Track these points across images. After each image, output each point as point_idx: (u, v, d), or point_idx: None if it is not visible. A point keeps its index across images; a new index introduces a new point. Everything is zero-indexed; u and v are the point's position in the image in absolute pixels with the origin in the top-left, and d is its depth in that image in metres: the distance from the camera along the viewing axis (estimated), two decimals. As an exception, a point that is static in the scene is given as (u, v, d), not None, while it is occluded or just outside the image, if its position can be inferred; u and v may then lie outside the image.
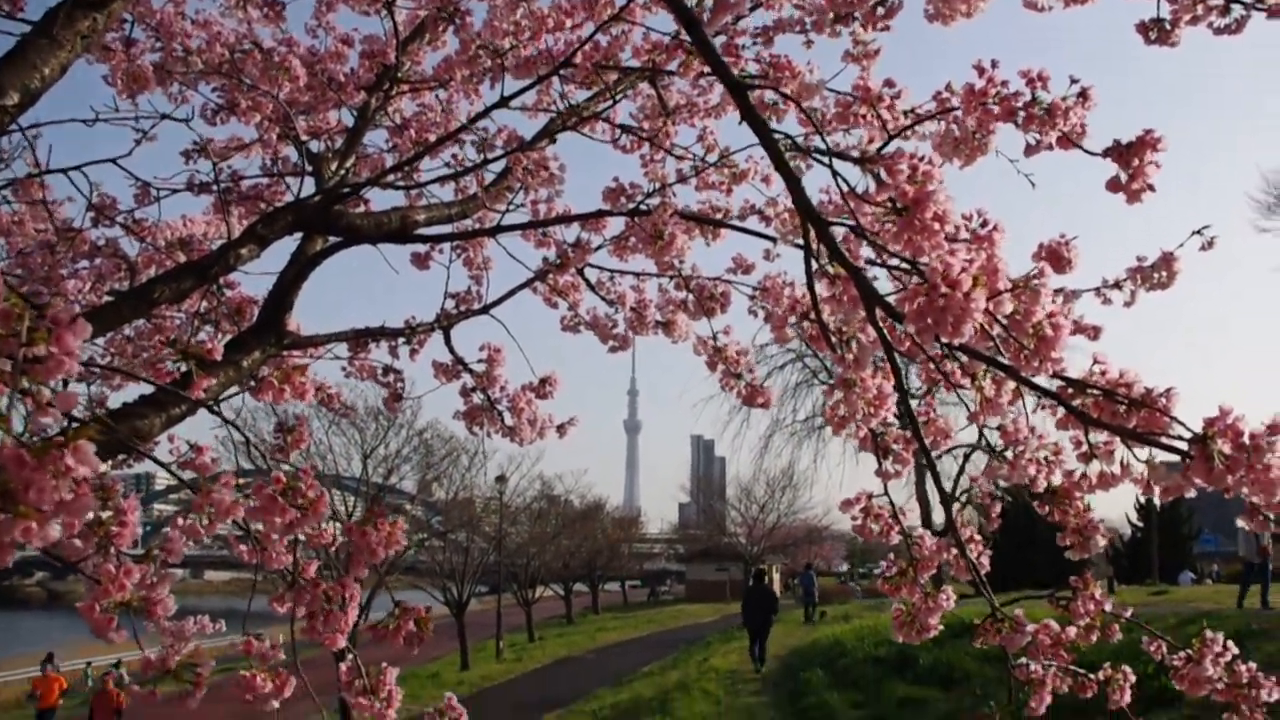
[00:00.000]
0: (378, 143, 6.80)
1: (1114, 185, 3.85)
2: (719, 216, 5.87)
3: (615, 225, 5.81)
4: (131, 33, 5.55)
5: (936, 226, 2.99)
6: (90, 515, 2.84)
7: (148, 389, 4.22)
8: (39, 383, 2.07)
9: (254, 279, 5.68)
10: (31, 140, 5.61)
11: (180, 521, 3.53)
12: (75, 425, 2.33)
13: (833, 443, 61.87)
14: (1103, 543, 4.12)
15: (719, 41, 5.32)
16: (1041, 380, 3.10)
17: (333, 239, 5.55)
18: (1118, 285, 4.66)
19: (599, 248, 5.82)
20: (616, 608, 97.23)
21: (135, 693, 3.44)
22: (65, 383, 2.23)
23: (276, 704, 3.61)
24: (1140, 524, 65.21)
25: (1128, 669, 4.36)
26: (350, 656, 3.72)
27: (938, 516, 50.31)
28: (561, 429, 6.47)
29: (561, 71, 5.45)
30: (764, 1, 5.36)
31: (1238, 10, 4.09)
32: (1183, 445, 2.75)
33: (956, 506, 4.26)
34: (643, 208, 5.48)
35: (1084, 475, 3.63)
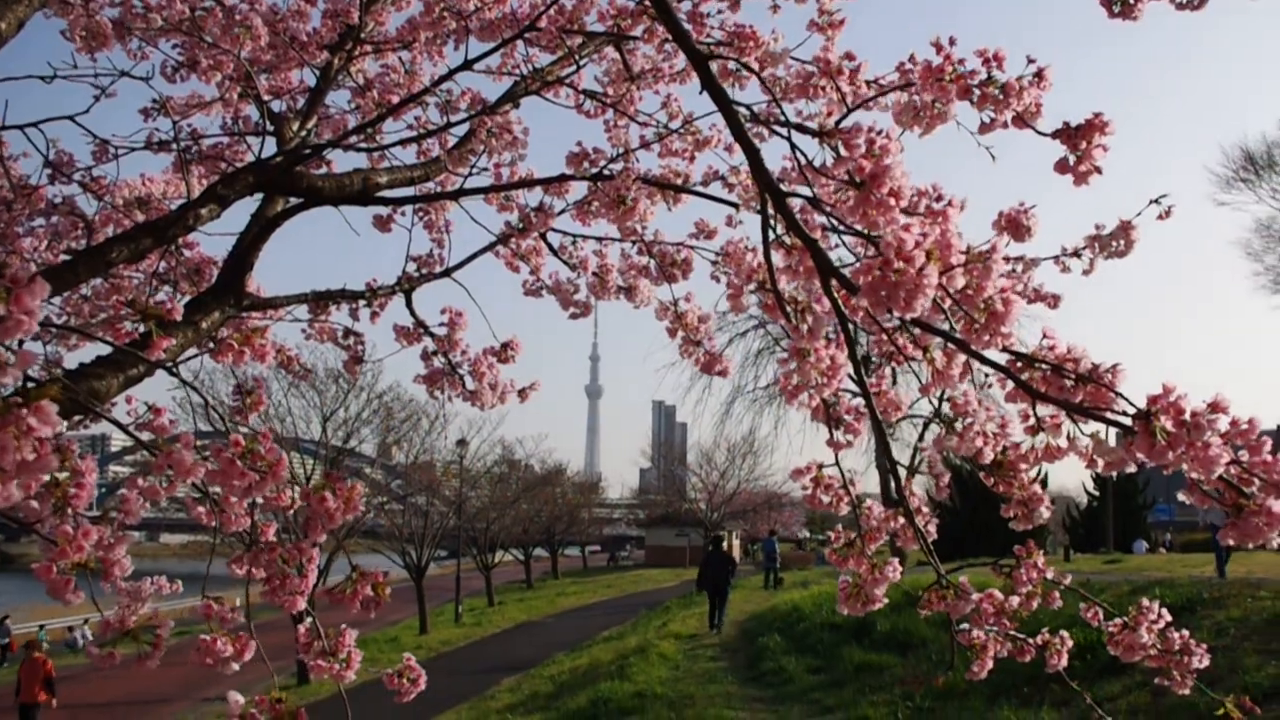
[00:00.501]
0: (340, 103, 6.76)
1: (1062, 167, 3.89)
2: (681, 183, 5.85)
3: (578, 190, 5.80)
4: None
5: (891, 201, 3.00)
6: (47, 476, 2.83)
7: (105, 349, 4.19)
8: (-3, 342, 2.05)
9: (213, 239, 5.65)
10: (-13, 96, 5.55)
11: (139, 482, 3.51)
12: (34, 385, 2.32)
13: (793, 410, 62.16)
14: (1046, 515, 4.15)
15: (685, 7, 5.31)
16: (992, 354, 3.12)
17: (294, 200, 5.51)
18: (1077, 254, 4.69)
19: (562, 212, 5.80)
20: (576, 572, 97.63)
21: (93, 654, 3.42)
22: (21, 342, 2.22)
23: (237, 667, 3.61)
24: (1096, 494, 65.86)
25: (1065, 634, 4.46)
26: (309, 619, 3.71)
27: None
28: (522, 393, 6.44)
29: (526, 35, 5.43)
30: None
31: (1201, -16, 4.12)
32: (1126, 421, 2.77)
33: (907, 476, 4.27)
34: (606, 172, 5.47)
35: (1031, 448, 3.67)
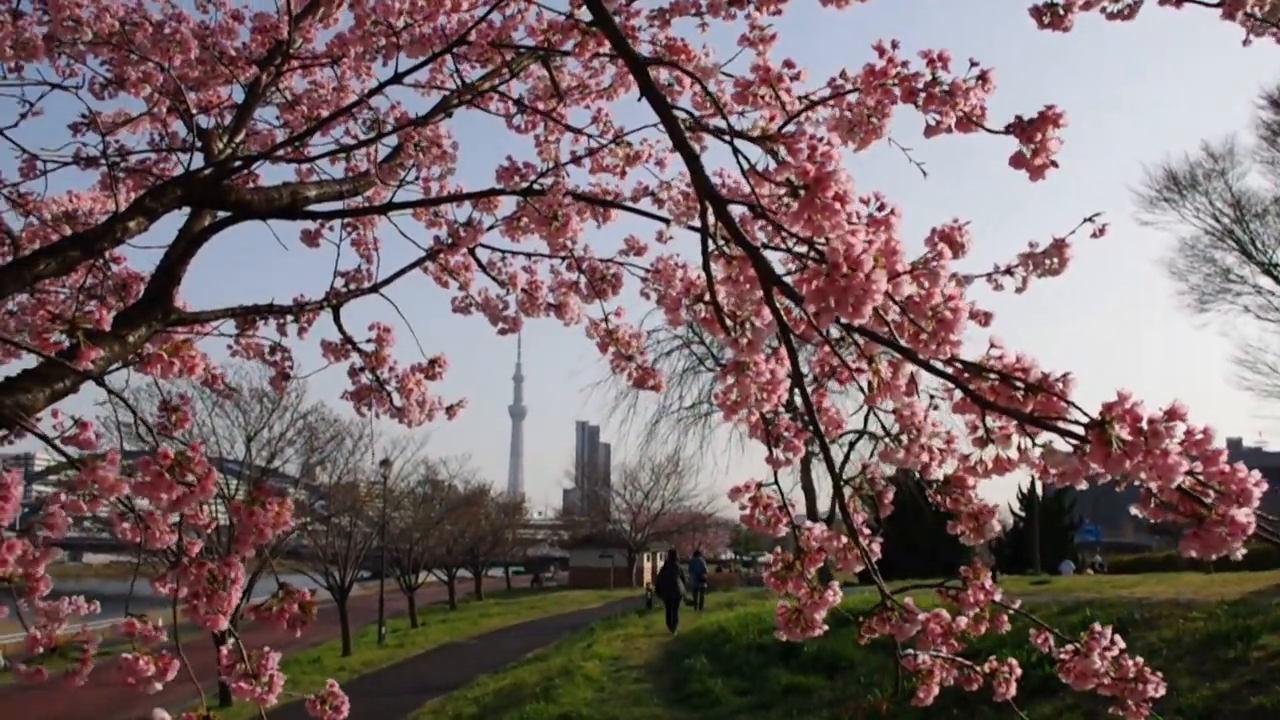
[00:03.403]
0: (268, 119, 6.72)
1: (1017, 161, 3.86)
2: (611, 198, 5.84)
3: (508, 205, 5.78)
4: (19, 4, 5.45)
5: (837, 206, 2.96)
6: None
7: (29, 366, 4.13)
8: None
9: (140, 255, 5.58)
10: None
11: (63, 497, 3.46)
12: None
13: (719, 429, 62.27)
14: (997, 528, 4.06)
15: (617, 20, 5.32)
16: (938, 364, 3.06)
17: (222, 214, 5.46)
18: (1010, 271, 4.65)
19: (491, 228, 5.78)
20: (500, 594, 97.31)
21: (21, 671, 3.37)
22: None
23: (159, 686, 3.55)
24: (1022, 514, 66.31)
25: (1014, 661, 4.32)
26: (232, 640, 3.66)
27: (824, 506, 50.75)
28: (450, 410, 6.41)
29: (456, 50, 5.42)
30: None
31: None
32: (1079, 430, 2.73)
33: (848, 492, 4.21)
34: (536, 187, 5.46)
35: (980, 460, 3.60)
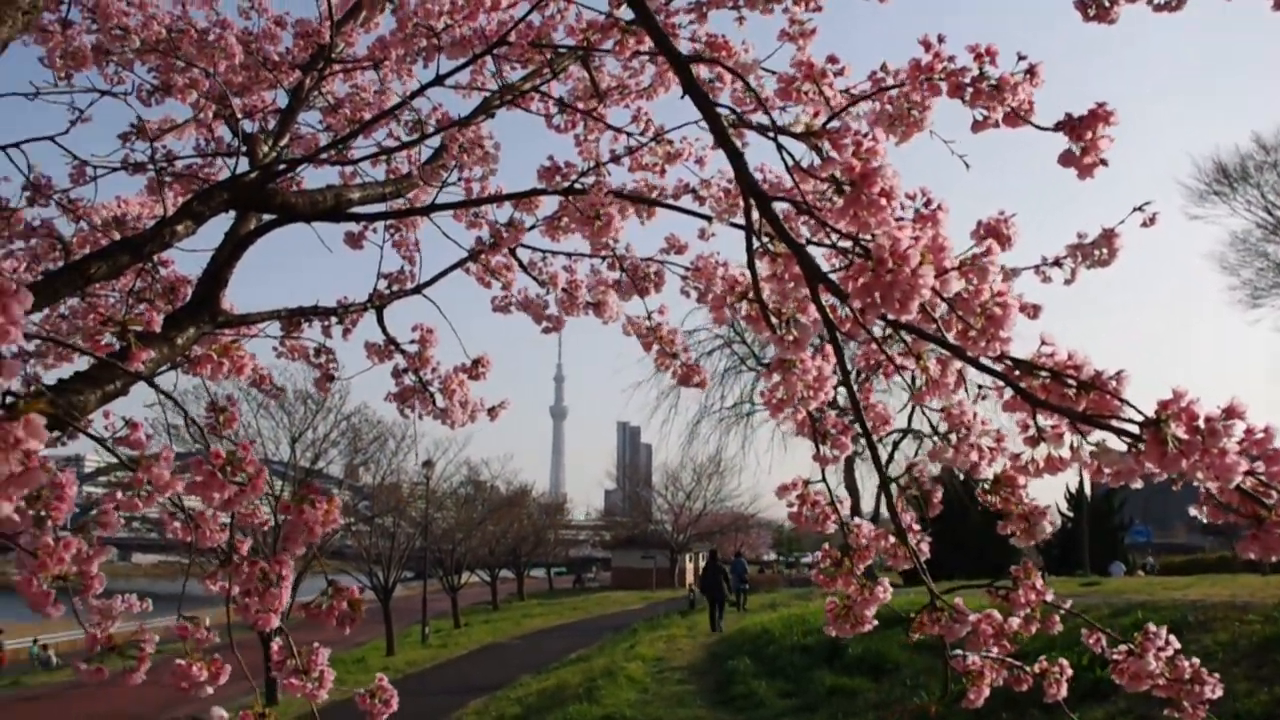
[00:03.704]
0: (312, 123, 6.78)
1: (1067, 159, 3.77)
2: (653, 196, 5.85)
3: (549, 205, 5.81)
4: (68, 14, 5.52)
5: (883, 202, 2.93)
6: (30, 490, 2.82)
7: (81, 368, 4.18)
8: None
9: (187, 259, 5.64)
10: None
11: (119, 495, 3.50)
12: (20, 398, 2.32)
13: (761, 429, 62.14)
14: (1049, 529, 3.94)
15: (658, 18, 5.34)
16: (988, 361, 3.03)
17: (267, 217, 5.52)
18: (1058, 263, 4.55)
19: (532, 228, 5.80)
20: (542, 594, 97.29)
21: (82, 670, 3.40)
22: (13, 353, 2.22)
23: (210, 690, 3.58)
24: (1071, 514, 65.29)
25: (1064, 662, 4.22)
26: (282, 636, 3.69)
27: (867, 506, 50.53)
28: (492, 411, 6.43)
29: (496, 50, 5.44)
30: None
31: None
32: (1134, 429, 2.69)
33: (895, 491, 4.14)
34: (577, 186, 5.48)
35: (1031, 460, 3.52)
